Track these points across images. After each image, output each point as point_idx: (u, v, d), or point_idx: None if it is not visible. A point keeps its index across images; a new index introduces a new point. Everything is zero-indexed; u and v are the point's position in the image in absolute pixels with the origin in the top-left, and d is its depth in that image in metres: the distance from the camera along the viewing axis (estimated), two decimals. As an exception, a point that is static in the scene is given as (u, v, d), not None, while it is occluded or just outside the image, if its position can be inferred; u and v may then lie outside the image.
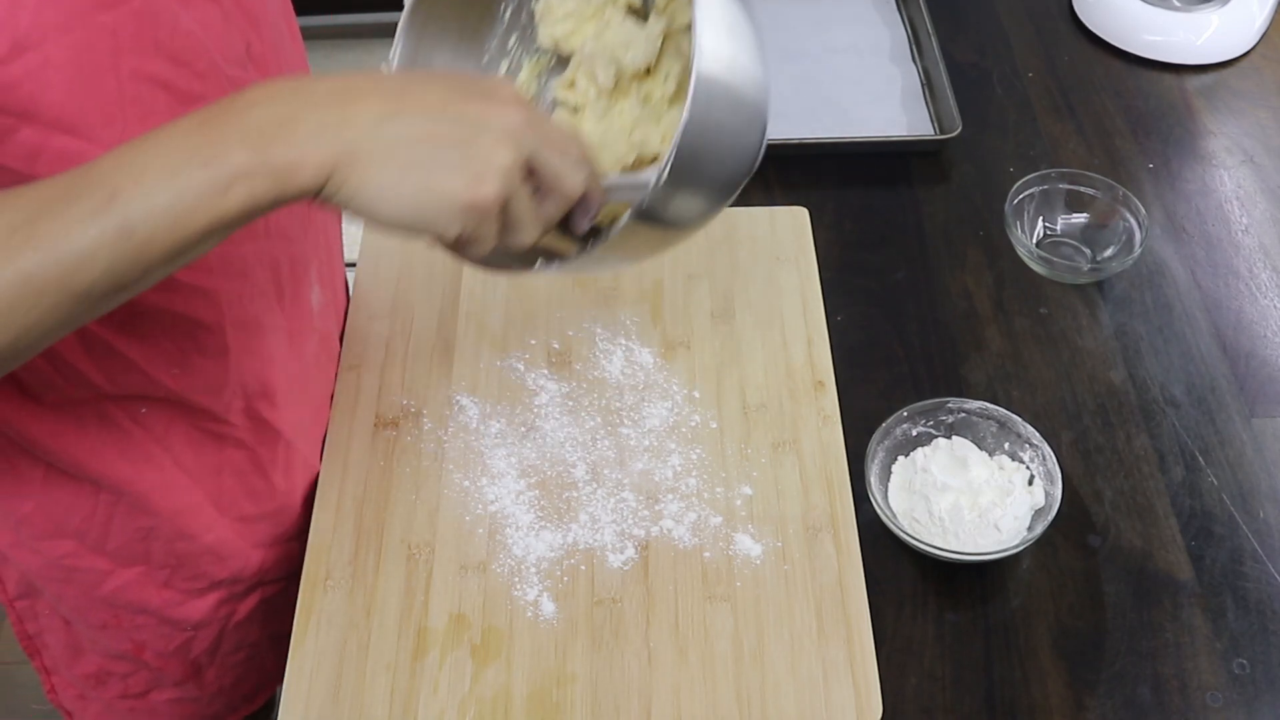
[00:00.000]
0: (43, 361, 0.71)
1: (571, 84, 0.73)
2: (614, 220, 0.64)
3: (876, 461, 0.89)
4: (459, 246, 0.62)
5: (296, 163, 0.54)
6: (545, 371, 0.96)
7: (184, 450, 0.82)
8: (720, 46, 0.60)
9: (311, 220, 0.89)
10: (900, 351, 1.00)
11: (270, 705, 1.10)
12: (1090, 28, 1.30)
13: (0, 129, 0.60)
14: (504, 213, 0.59)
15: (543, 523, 0.87)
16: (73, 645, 0.93)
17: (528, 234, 0.60)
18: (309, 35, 0.89)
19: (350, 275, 1.04)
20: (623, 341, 0.98)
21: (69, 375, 0.73)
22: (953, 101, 1.17)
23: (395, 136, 0.56)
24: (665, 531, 0.86)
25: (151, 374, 0.76)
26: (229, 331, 0.78)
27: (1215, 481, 0.92)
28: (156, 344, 0.75)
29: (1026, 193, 1.07)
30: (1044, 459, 0.87)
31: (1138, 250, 1.03)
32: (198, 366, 0.78)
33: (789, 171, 1.15)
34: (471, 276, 1.02)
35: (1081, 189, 1.08)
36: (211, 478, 0.85)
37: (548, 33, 0.74)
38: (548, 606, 0.83)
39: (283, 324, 0.85)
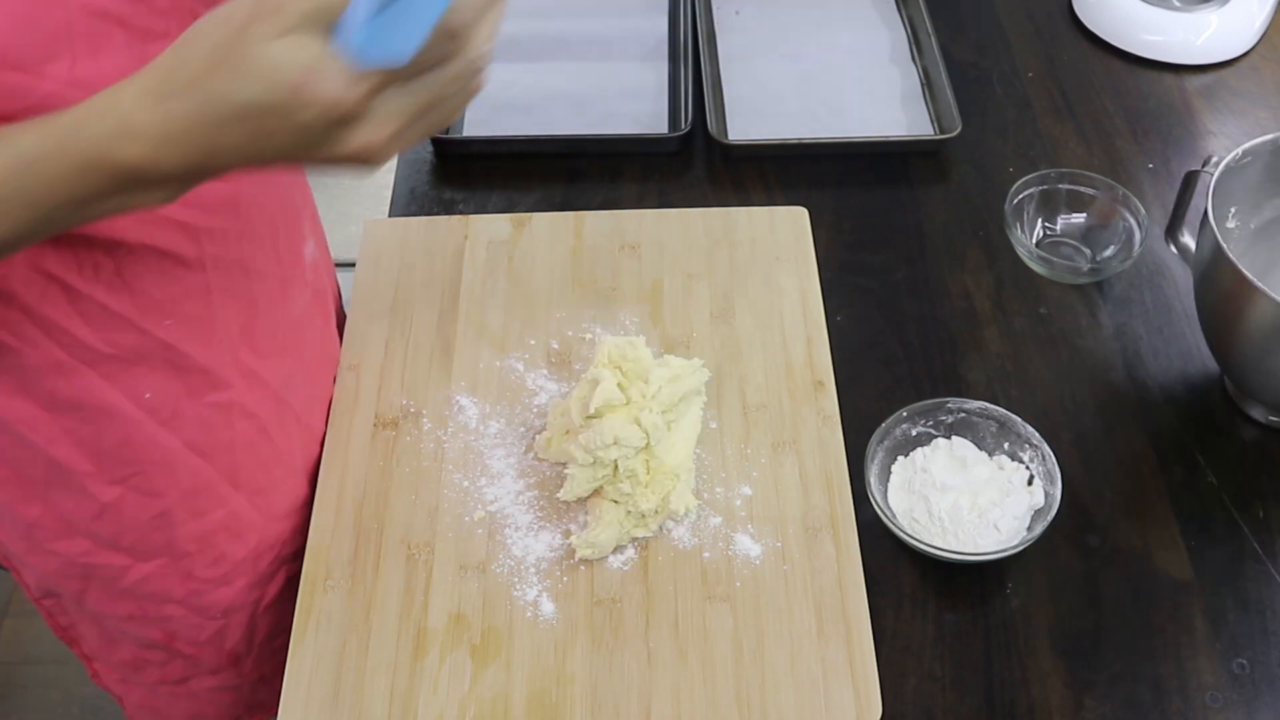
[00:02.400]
0: (34, 329, 0.71)
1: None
2: None
3: (876, 461, 0.89)
4: None
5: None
6: (545, 372, 0.96)
7: (196, 432, 0.82)
8: None
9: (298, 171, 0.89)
10: (900, 351, 1.00)
11: None
12: (1090, 28, 1.30)
13: None
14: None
15: (542, 523, 0.87)
16: (106, 637, 0.93)
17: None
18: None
19: (350, 275, 1.04)
20: (622, 341, 0.98)
21: (63, 339, 0.73)
22: (952, 101, 1.17)
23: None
24: (665, 531, 0.86)
25: (142, 325, 0.76)
26: (209, 268, 0.78)
27: (1215, 481, 0.92)
28: (143, 291, 0.75)
29: (1026, 193, 1.07)
30: (1044, 459, 0.87)
31: (1137, 250, 1.03)
32: (184, 311, 0.78)
33: (789, 171, 1.15)
34: (471, 276, 1.03)
35: (1081, 189, 1.08)
36: (225, 454, 0.85)
37: None
38: (547, 607, 0.83)
39: (275, 271, 0.85)
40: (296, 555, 0.93)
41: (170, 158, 0.56)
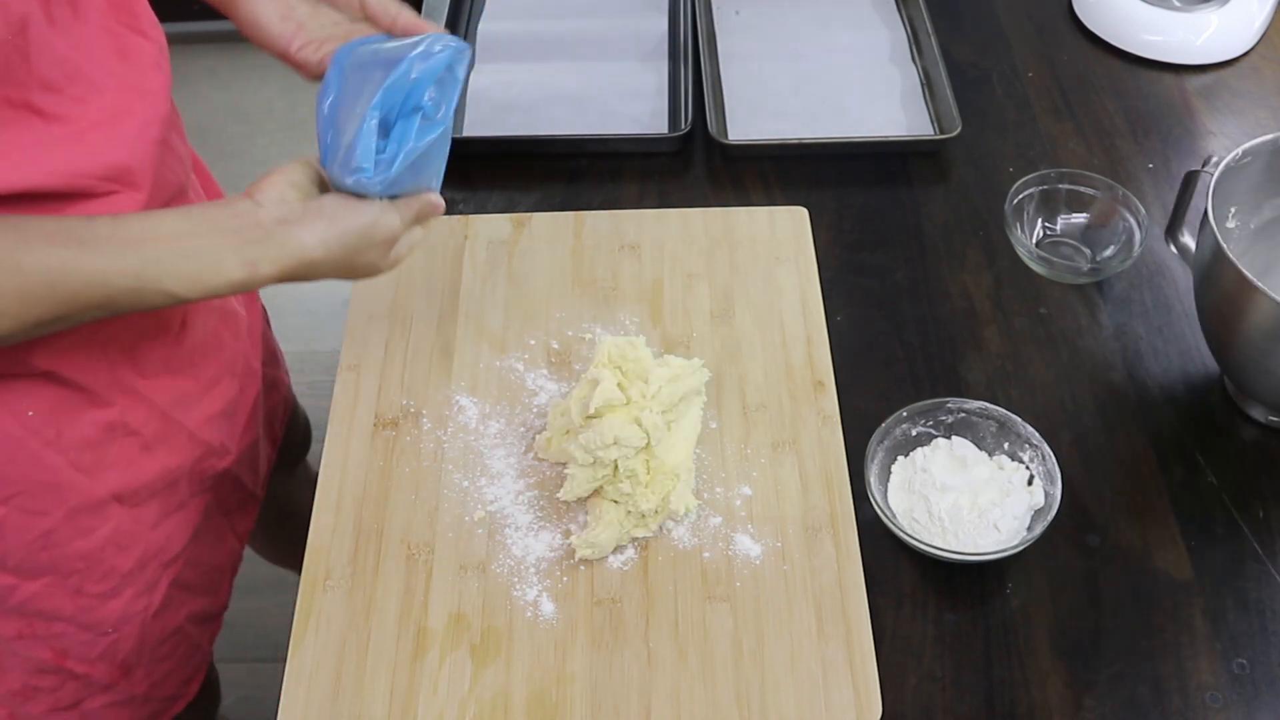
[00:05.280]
0: None
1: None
2: None
3: (876, 461, 0.89)
4: None
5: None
6: (545, 372, 0.96)
7: (80, 451, 0.83)
8: None
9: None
10: (900, 351, 1.00)
11: (205, 691, 1.09)
12: (1090, 28, 1.30)
13: None
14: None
15: (542, 523, 0.87)
16: None
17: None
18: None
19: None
20: (622, 341, 0.98)
21: None
22: (952, 101, 1.17)
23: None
24: (665, 531, 0.86)
25: (25, 358, 0.77)
26: None
27: (1215, 481, 0.92)
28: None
29: (1026, 193, 1.07)
30: (1044, 459, 0.87)
31: (1137, 250, 1.03)
32: (68, 341, 0.79)
33: (789, 171, 1.15)
34: (471, 276, 1.03)
35: (1081, 189, 1.08)
36: (109, 472, 0.86)
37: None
38: (547, 606, 0.83)
39: None
40: (175, 559, 0.95)
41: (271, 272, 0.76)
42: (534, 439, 0.91)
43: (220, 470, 0.98)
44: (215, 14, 0.88)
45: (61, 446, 0.82)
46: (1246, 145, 0.92)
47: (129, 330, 0.84)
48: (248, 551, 1.11)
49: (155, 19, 0.84)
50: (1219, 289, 0.88)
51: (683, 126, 1.16)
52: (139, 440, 0.87)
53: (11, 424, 0.79)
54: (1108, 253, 1.06)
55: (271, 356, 1.13)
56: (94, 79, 0.76)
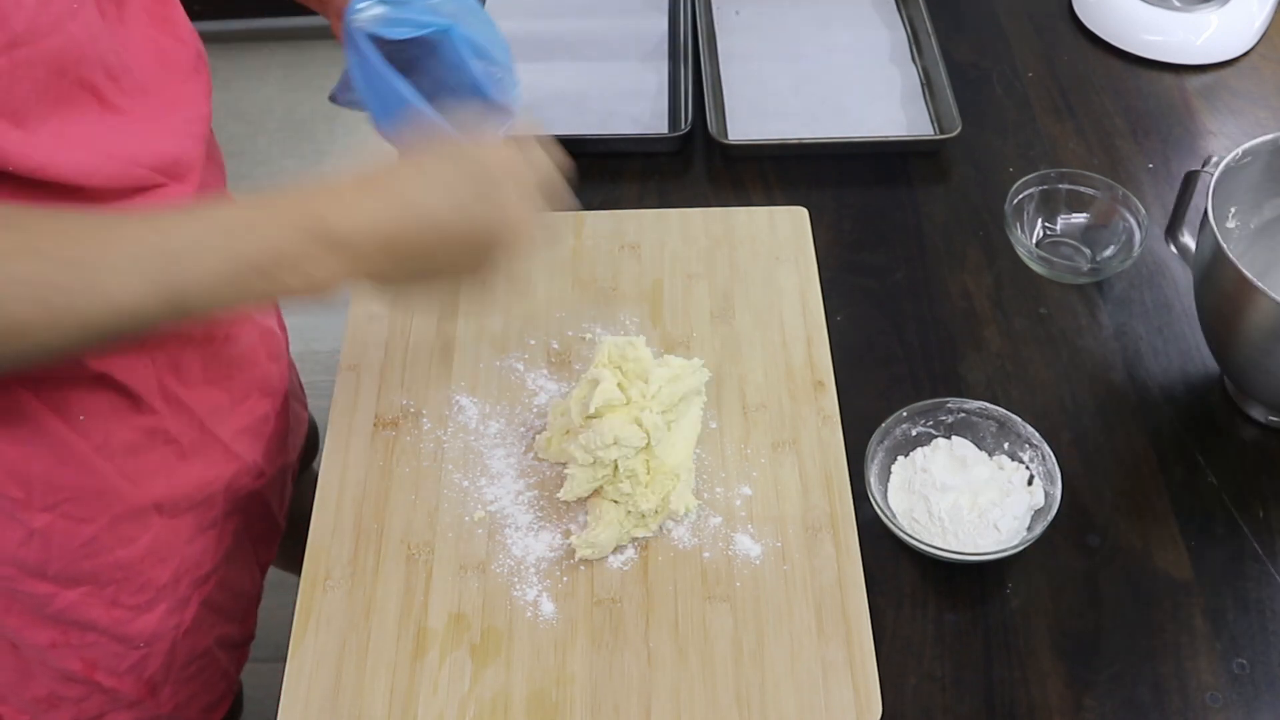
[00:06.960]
0: None
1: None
2: None
3: (876, 461, 0.89)
4: None
5: (334, 290, 0.67)
6: (545, 372, 0.96)
7: (126, 458, 0.83)
8: None
9: None
10: (900, 351, 1.00)
11: (231, 718, 1.09)
12: (1090, 27, 1.30)
13: None
14: None
15: (542, 523, 0.87)
16: (21, 668, 0.92)
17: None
18: (300, 36, 0.90)
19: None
20: (622, 341, 0.98)
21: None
22: (952, 101, 1.17)
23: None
24: (665, 531, 0.86)
25: (81, 359, 0.77)
26: None
27: (1215, 481, 0.92)
28: None
29: (1026, 193, 1.07)
30: (1044, 459, 0.87)
31: (1137, 250, 1.03)
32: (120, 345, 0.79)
33: (789, 171, 1.15)
34: (471, 276, 1.03)
35: (1081, 189, 1.08)
36: (150, 479, 0.86)
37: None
38: (547, 606, 0.83)
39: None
40: (207, 578, 0.95)
41: (366, 230, 0.66)
42: (534, 439, 0.91)
43: (253, 490, 0.98)
44: (214, 14, 0.89)
45: (109, 452, 0.82)
46: (1246, 145, 0.92)
47: (177, 342, 0.84)
48: None
49: (190, 26, 0.84)
50: (1219, 289, 0.88)
51: (683, 126, 1.16)
52: (177, 449, 0.87)
53: (64, 429, 0.79)
54: (1108, 253, 1.06)
55: (296, 389, 1.14)
56: (140, 77, 0.76)
